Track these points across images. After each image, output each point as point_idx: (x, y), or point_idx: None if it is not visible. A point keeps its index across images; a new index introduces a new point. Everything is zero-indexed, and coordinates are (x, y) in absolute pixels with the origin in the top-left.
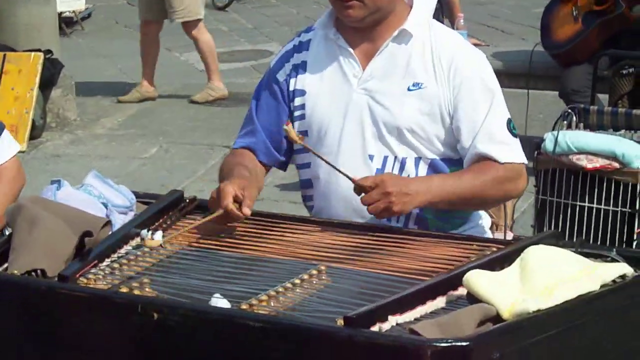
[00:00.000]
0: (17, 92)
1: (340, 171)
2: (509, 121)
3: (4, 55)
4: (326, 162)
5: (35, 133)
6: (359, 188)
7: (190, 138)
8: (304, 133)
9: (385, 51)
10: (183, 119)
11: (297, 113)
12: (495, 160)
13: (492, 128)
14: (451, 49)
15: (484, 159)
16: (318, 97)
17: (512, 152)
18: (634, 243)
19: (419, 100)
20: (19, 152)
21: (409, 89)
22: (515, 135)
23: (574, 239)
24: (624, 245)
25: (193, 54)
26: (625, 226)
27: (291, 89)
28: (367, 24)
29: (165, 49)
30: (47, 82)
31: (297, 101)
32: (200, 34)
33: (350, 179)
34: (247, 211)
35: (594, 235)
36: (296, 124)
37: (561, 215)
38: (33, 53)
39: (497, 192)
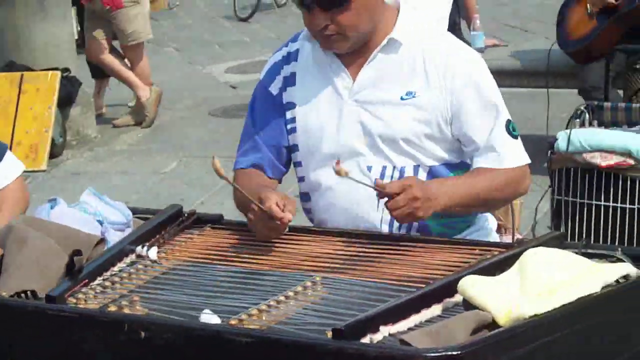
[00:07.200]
0: (35, 111)
1: (364, 183)
2: (509, 123)
3: (22, 75)
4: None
5: (56, 151)
6: (384, 195)
7: (210, 151)
8: (294, 147)
9: (374, 61)
10: (203, 132)
11: (289, 126)
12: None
13: (496, 138)
14: (445, 53)
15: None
16: (309, 110)
17: (516, 156)
18: None
19: (414, 109)
20: (41, 171)
21: (402, 98)
22: (515, 137)
23: (592, 239)
24: None
25: (215, 67)
26: None
27: (284, 102)
28: (355, 47)
29: (188, 62)
30: (66, 100)
31: (288, 114)
32: (142, 56)
33: (374, 188)
34: (289, 216)
35: (611, 234)
36: (290, 137)
37: (577, 215)
38: (50, 72)
39: (507, 193)
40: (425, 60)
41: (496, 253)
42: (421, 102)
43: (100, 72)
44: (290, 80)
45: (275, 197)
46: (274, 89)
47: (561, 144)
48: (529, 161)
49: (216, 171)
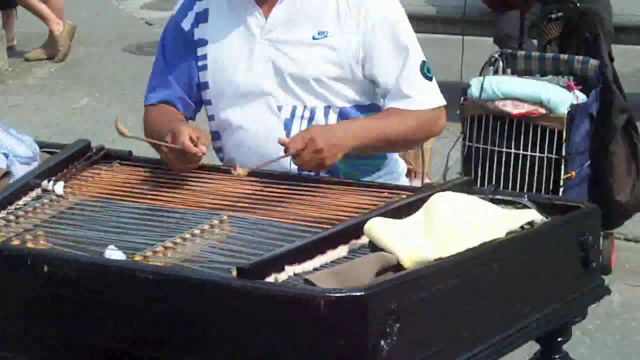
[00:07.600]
0: None
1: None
2: (423, 64)
3: None
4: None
5: None
6: (289, 153)
7: (123, 87)
8: (204, 85)
9: (286, 0)
10: (117, 69)
11: (199, 63)
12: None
13: (407, 79)
14: None
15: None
16: (220, 48)
17: (429, 98)
18: (561, 189)
19: (325, 49)
20: None
21: (314, 38)
22: (430, 78)
23: (500, 186)
24: (551, 191)
25: (131, 3)
26: (552, 172)
27: (195, 38)
28: None
29: None
30: None
31: (199, 51)
32: None
33: (285, 151)
34: (203, 149)
35: (520, 181)
36: (200, 74)
37: (487, 162)
38: None
39: (420, 134)
40: (338, 1)
41: (404, 196)
42: (333, 42)
43: (6, 2)
44: (202, 17)
45: (188, 130)
46: (185, 24)
47: (474, 90)
48: (444, 103)
49: (120, 133)
